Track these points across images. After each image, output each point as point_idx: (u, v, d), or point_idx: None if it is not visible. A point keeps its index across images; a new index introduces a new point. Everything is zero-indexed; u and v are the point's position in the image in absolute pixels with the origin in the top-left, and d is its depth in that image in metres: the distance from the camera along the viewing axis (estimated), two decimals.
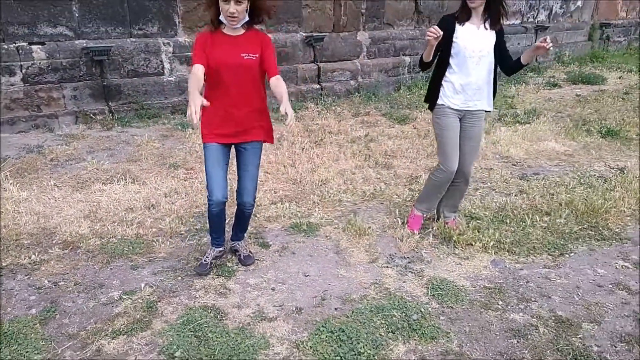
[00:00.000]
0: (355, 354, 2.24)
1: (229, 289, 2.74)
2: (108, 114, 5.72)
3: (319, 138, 5.38)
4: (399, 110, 6.90)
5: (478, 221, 3.54)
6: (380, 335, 2.39)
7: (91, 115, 5.61)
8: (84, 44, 5.52)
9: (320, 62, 7.49)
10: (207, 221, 2.87)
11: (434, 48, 2.82)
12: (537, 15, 10.97)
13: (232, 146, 2.74)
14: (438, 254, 3.18)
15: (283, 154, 4.80)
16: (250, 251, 3.09)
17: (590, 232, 3.46)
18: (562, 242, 3.31)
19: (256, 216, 3.55)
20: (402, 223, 3.51)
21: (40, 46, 5.35)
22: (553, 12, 11.28)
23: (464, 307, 2.66)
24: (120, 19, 5.71)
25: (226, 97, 2.56)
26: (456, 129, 3.09)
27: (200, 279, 2.81)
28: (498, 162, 4.91)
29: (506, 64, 3.04)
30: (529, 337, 2.41)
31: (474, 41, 2.94)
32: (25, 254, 2.98)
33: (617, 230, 3.50)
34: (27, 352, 2.22)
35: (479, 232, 3.35)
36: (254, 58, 2.53)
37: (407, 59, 8.67)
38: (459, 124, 3.10)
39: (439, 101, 3.08)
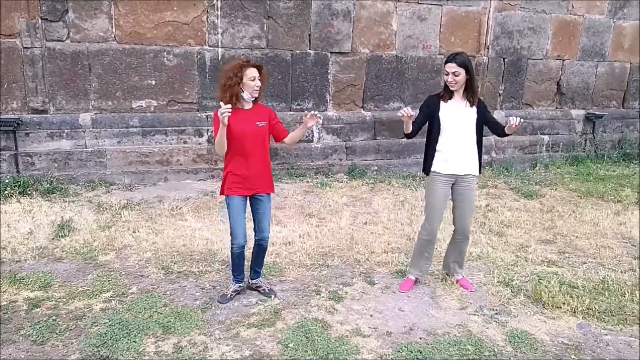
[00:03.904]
0: None
1: (337, 309, 3.45)
2: None
3: None
4: (529, 186, 7.09)
5: (575, 289, 3.76)
6: None
7: None
8: None
9: None
10: (230, 262, 3.51)
11: (410, 123, 3.39)
12: None
13: (247, 197, 3.38)
14: (525, 311, 3.51)
15: (403, 214, 5.45)
16: (270, 285, 3.67)
17: None
18: None
19: (368, 260, 4.24)
20: (498, 282, 3.90)
21: None
22: None
23: (536, 355, 2.98)
24: (284, 96, 7.08)
25: (245, 159, 3.24)
26: (443, 194, 3.54)
27: (316, 299, 3.56)
28: (617, 242, 4.93)
29: (496, 131, 3.53)
30: None
31: (457, 116, 3.45)
32: (196, 265, 4.05)
33: None
34: (190, 326, 3.17)
35: (571, 297, 3.59)
36: (264, 125, 3.30)
37: (546, 137, 8.81)
38: (450, 189, 3.55)
39: (432, 168, 3.53)
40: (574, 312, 3.46)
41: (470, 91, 3.46)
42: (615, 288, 3.80)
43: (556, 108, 8.98)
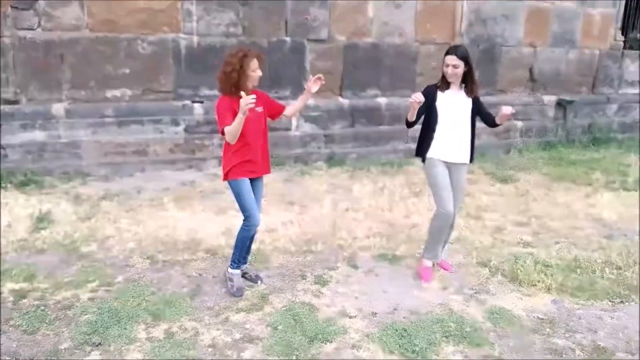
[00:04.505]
0: (411, 346, 2.88)
1: (322, 293, 3.54)
2: None
3: (418, 190, 6.06)
4: (504, 171, 7.26)
5: (549, 268, 3.93)
6: (436, 337, 2.99)
7: None
8: None
9: None
10: (239, 246, 3.43)
11: (416, 111, 3.41)
12: None
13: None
14: (503, 290, 3.66)
15: (383, 200, 5.56)
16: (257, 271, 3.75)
17: None
18: (626, 293, 3.59)
19: (351, 245, 4.34)
20: (476, 263, 4.05)
21: (199, 104, 6.83)
22: None
23: (514, 329, 3.14)
24: (261, 84, 7.02)
25: (251, 144, 3.28)
26: (446, 175, 3.59)
27: (302, 283, 3.64)
28: (588, 222, 5.14)
29: (488, 121, 3.65)
30: (564, 355, 2.82)
31: (453, 106, 3.53)
32: (180, 254, 4.08)
33: None
34: (180, 313, 3.21)
35: (545, 275, 3.76)
36: (262, 110, 3.38)
37: (519, 123, 9.00)
38: (448, 172, 3.61)
39: (429, 155, 3.59)
40: (549, 289, 3.63)
41: (469, 83, 3.53)
42: (586, 266, 3.99)
43: (529, 94, 9.17)
